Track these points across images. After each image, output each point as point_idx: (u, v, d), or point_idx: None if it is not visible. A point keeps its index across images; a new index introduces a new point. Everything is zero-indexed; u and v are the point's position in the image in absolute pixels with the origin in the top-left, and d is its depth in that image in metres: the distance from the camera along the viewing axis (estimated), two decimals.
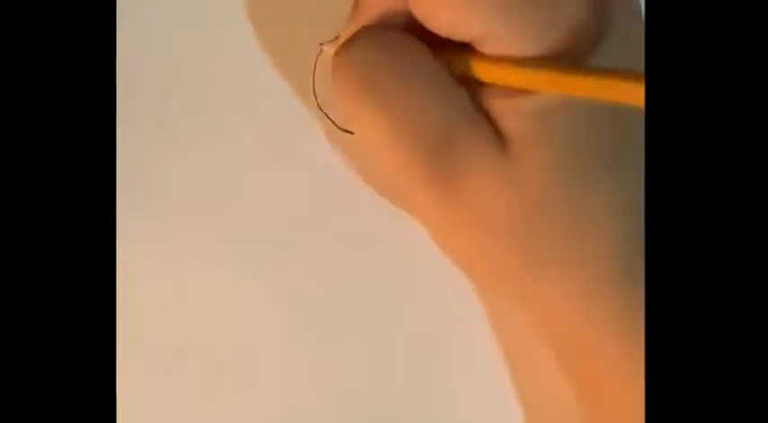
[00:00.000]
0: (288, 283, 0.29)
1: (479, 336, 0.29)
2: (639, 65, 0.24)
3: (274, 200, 0.29)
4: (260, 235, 0.29)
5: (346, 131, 0.28)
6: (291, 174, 0.29)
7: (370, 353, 0.28)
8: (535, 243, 0.24)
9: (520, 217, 0.24)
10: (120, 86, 0.28)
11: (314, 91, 0.28)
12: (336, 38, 0.26)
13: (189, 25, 0.29)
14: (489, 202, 0.24)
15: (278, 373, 0.28)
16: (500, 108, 0.24)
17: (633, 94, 0.20)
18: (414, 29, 0.24)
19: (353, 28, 0.25)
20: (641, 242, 0.24)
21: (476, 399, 0.29)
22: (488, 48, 0.23)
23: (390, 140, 0.24)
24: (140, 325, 0.28)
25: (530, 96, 0.23)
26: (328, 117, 0.28)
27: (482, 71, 0.24)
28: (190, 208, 0.29)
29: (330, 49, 0.26)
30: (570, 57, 0.23)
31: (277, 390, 0.28)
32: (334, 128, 0.28)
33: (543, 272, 0.24)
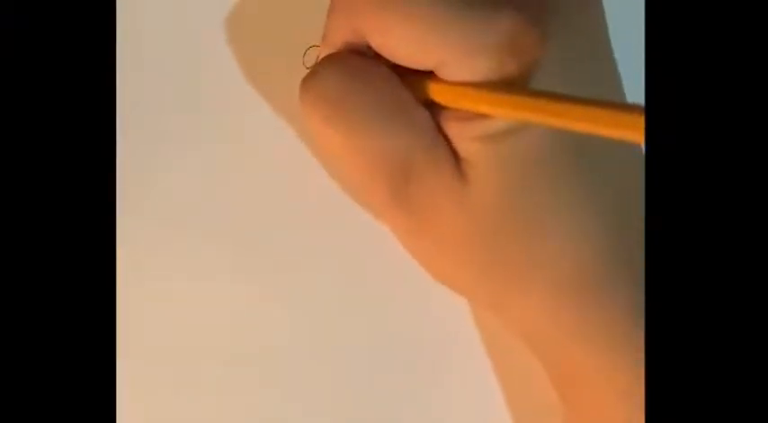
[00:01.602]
0: (288, 284, 0.29)
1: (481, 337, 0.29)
2: (588, 81, 0.25)
3: (275, 200, 0.29)
4: (261, 235, 0.29)
5: None
6: (293, 174, 0.29)
7: (370, 354, 0.28)
8: (495, 262, 0.24)
9: (476, 238, 0.24)
10: (120, 87, 0.28)
11: None
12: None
13: (188, 26, 0.29)
14: (447, 223, 0.24)
15: (278, 373, 0.28)
16: (456, 132, 0.24)
17: (574, 115, 0.21)
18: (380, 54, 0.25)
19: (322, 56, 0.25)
20: (612, 255, 0.24)
21: (476, 399, 0.29)
22: (444, 74, 0.24)
23: (353, 163, 0.25)
24: (140, 325, 0.28)
25: (482, 121, 0.24)
26: None
27: (441, 95, 0.24)
28: (189, 209, 0.29)
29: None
30: (522, 79, 0.23)
31: (277, 390, 0.28)
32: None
33: (508, 287, 0.25)
